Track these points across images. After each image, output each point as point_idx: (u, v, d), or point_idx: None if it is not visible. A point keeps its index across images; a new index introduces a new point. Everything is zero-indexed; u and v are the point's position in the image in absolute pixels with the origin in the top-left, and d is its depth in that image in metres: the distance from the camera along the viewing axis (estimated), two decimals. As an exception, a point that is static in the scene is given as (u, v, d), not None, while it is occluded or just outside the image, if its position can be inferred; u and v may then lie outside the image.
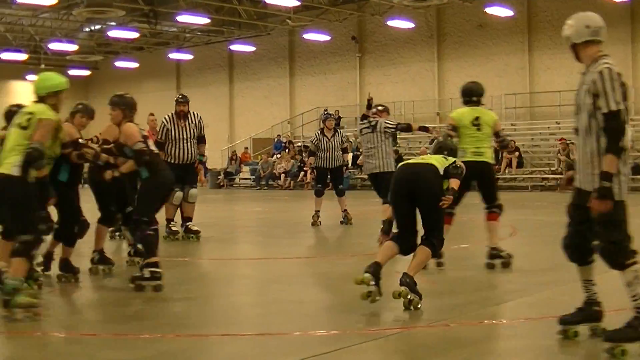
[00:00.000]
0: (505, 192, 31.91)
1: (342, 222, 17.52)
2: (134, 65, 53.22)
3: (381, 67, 43.93)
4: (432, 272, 10.74)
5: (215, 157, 44.65)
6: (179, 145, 15.02)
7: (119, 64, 53.71)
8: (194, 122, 15.42)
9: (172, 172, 14.06)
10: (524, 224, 17.19)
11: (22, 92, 56.14)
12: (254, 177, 41.49)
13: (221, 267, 12.47)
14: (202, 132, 15.60)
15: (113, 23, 44.78)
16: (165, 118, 15.26)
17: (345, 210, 17.70)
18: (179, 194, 14.73)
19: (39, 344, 7.18)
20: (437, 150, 9.18)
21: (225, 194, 37.06)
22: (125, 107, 10.42)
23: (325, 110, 32.08)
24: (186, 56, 51.57)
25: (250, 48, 47.95)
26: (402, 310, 8.16)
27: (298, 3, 38.20)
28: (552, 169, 33.40)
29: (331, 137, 17.71)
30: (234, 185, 43.25)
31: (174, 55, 51.57)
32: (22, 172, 8.12)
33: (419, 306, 7.96)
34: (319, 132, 18.25)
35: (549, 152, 35.75)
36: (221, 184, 43.03)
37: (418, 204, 8.48)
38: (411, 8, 39.08)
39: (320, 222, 17.35)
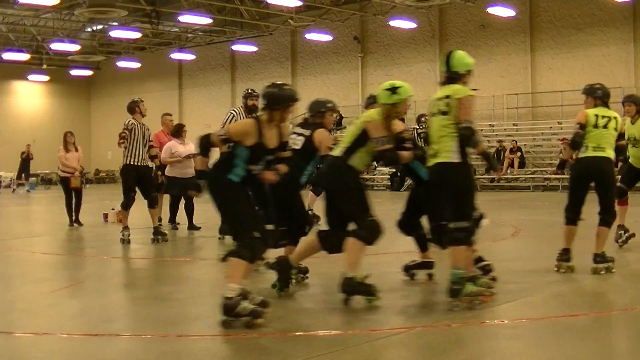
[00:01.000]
0: (507, 192, 31.99)
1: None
2: (136, 65, 53.26)
3: (383, 67, 43.94)
4: (436, 272, 10.72)
5: (217, 157, 44.63)
6: None
7: (121, 64, 53.76)
8: None
9: None
10: (525, 223, 17.18)
11: (24, 92, 56.32)
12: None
13: (220, 267, 12.39)
14: None
15: (115, 23, 44.85)
16: (234, 110, 14.59)
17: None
18: None
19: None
20: None
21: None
22: None
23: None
24: (188, 56, 51.62)
25: (252, 48, 48.00)
26: (404, 310, 8.14)
27: (300, 3, 38.23)
28: (554, 169, 33.37)
29: None
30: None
31: (176, 55, 51.62)
32: (461, 157, 8.27)
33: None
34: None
35: (551, 152, 35.72)
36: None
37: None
38: (413, 8, 39.10)
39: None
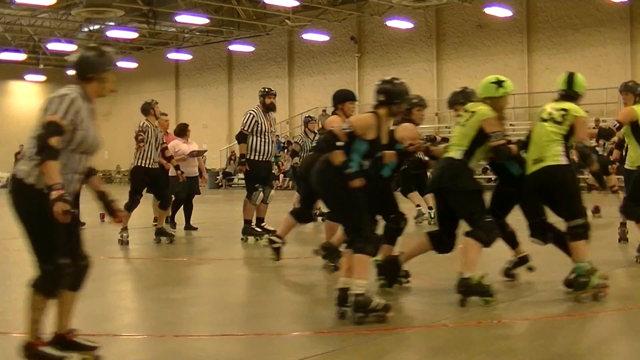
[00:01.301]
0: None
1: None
2: (133, 65, 53.17)
3: (380, 67, 43.90)
4: (430, 272, 10.73)
5: (214, 157, 44.68)
6: (267, 140, 14.49)
7: (118, 64, 53.29)
8: (273, 117, 14.87)
9: (264, 170, 14.08)
10: (522, 223, 17.14)
11: (21, 92, 56.28)
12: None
13: (219, 267, 12.43)
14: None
15: (112, 23, 44.83)
16: (253, 110, 14.54)
17: (319, 208, 18.18)
18: (261, 194, 14.44)
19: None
20: None
21: (224, 194, 37.10)
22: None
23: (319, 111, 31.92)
24: (185, 56, 51.59)
25: (249, 48, 47.99)
26: (400, 311, 8.15)
27: (297, 3, 38.21)
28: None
29: (313, 139, 17.92)
30: (233, 186, 43.25)
31: (173, 55, 51.61)
32: (567, 159, 8.75)
33: None
34: (303, 134, 18.46)
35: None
36: (219, 184, 43.03)
37: None
38: (410, 8, 39.11)
39: (315, 219, 17.67)
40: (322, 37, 43.82)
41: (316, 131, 18.48)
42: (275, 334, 7.23)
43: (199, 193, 17.47)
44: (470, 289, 8.24)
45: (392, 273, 9.32)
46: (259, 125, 14.30)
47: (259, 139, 14.32)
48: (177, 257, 13.64)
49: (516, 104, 38.86)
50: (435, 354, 6.61)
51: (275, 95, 14.88)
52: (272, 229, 14.34)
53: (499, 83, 9.07)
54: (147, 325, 7.91)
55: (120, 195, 14.92)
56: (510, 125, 38.12)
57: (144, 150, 14.52)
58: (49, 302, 5.87)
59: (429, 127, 39.51)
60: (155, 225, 15.16)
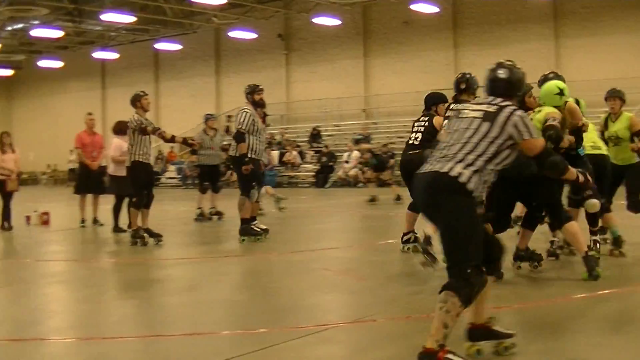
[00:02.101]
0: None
1: (208, 219, 18.52)
2: (58, 64, 52.62)
3: (308, 64, 44.00)
4: (358, 269, 10.78)
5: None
6: (262, 138, 14.23)
7: (43, 63, 53.03)
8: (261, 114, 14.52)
9: (257, 169, 13.90)
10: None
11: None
12: (180, 176, 41.25)
13: (151, 268, 12.33)
14: None
15: (36, 22, 44.19)
16: (248, 108, 14.09)
17: (214, 207, 18.71)
18: (255, 192, 14.07)
19: None
20: None
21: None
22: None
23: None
24: (111, 55, 51.12)
25: (176, 46, 47.75)
26: (329, 307, 8.17)
27: (224, 1, 38.06)
28: None
29: (213, 137, 17.99)
30: (160, 185, 42.98)
31: (99, 54, 51.08)
32: None
33: None
34: (202, 131, 18.50)
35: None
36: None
37: None
38: (337, 5, 39.24)
39: (210, 218, 18.46)
40: (250, 35, 43.72)
41: (216, 128, 18.64)
42: (205, 333, 7.20)
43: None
44: (593, 263, 9.11)
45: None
46: (255, 124, 13.95)
47: (254, 137, 13.93)
48: (106, 258, 13.54)
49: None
50: (363, 349, 6.61)
51: (263, 90, 14.57)
52: (265, 227, 14.30)
53: (561, 92, 9.80)
54: (75, 328, 7.83)
55: (41, 197, 14.81)
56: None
57: (141, 145, 13.91)
58: (463, 308, 5.82)
59: (356, 124, 39.74)
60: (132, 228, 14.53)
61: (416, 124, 11.57)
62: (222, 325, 7.54)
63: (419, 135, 11.27)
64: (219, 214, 18.69)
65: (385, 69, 41.64)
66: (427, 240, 9.97)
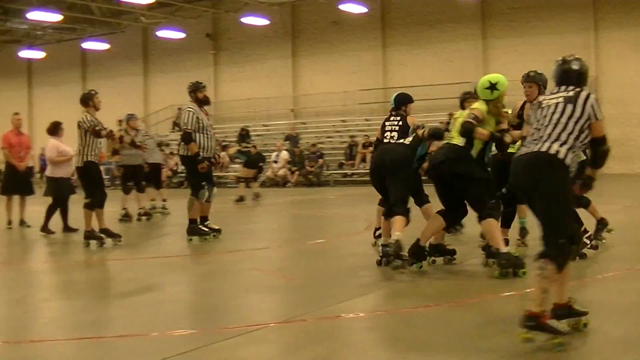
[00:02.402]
0: (360, 186, 32.27)
1: (137, 219, 18.51)
2: (-17, 64, 51.93)
3: (236, 64, 43.92)
4: (289, 269, 10.78)
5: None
6: (209, 136, 13.96)
7: (-34, 63, 52.27)
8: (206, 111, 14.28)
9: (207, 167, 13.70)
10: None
11: None
12: (108, 176, 40.80)
13: (82, 269, 12.20)
14: None
15: (-40, 20, 43.60)
16: (192, 107, 13.93)
17: (142, 208, 18.68)
18: (207, 192, 13.94)
19: None
20: None
21: (80, 194, 36.39)
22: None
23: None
24: (38, 54, 50.47)
25: (103, 46, 47.33)
26: (259, 307, 8.16)
27: (152, 0, 37.78)
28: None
29: (135, 137, 17.94)
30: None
31: (24, 54, 50.41)
32: None
33: None
34: (124, 131, 18.38)
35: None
36: (75, 184, 42.27)
37: None
38: (266, 5, 39.22)
39: (139, 219, 18.40)
40: (178, 35, 43.50)
41: (138, 128, 18.54)
42: (135, 335, 7.14)
43: (74, 193, 16.87)
44: (510, 262, 9.36)
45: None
46: (200, 122, 13.80)
47: (201, 135, 13.78)
48: (34, 260, 13.38)
49: (371, 99, 39.30)
50: (293, 349, 6.61)
51: (206, 88, 14.42)
52: (217, 227, 14.18)
53: (493, 87, 9.93)
54: (2, 332, 7.72)
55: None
56: (366, 120, 38.68)
57: (92, 144, 13.56)
58: (558, 275, 6.38)
59: (284, 124, 39.74)
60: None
61: (387, 124, 11.71)
62: (151, 327, 7.48)
63: (395, 134, 11.41)
64: (148, 214, 18.59)
65: (314, 68, 41.72)
66: (398, 244, 10.04)
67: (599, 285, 9.02)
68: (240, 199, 23.63)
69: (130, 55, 47.99)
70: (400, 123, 11.57)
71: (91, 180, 13.86)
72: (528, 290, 8.57)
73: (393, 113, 11.91)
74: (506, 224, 10.95)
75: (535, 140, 6.59)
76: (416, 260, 9.98)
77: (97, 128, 13.47)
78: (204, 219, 14.17)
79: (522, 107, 11.08)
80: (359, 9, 38.43)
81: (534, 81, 10.81)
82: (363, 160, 34.86)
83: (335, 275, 10.17)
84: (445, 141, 10.15)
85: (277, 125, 40.97)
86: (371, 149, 34.56)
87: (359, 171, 34.74)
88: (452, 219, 10.21)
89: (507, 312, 7.61)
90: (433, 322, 7.34)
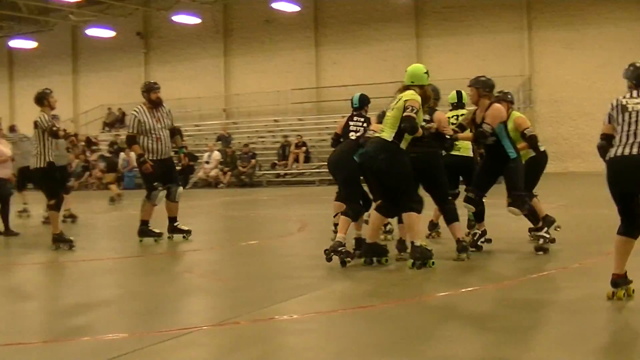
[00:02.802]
0: (293, 187, 32.31)
1: (63, 221, 17.82)
2: None
3: (167, 63, 43.71)
4: (221, 271, 10.74)
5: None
6: (155, 137, 13.82)
7: None
8: (164, 111, 14.13)
9: (159, 170, 13.50)
10: (312, 218, 17.37)
11: None
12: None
13: (13, 272, 12.02)
14: (173, 124, 14.40)
15: None
16: (135, 110, 13.93)
17: (68, 210, 18.29)
18: (161, 194, 13.77)
19: None
20: None
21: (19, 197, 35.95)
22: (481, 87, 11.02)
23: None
24: (-38, 53, 49.76)
25: (31, 44, 46.73)
26: (191, 310, 8.10)
27: (81, -3, 37.45)
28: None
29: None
30: (28, 188, 42.04)
31: (-52, 52, 49.68)
32: None
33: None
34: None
35: (337, 146, 36.23)
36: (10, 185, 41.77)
37: None
38: (197, 3, 39.13)
39: (64, 220, 17.84)
40: (108, 33, 43.14)
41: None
42: (62, 340, 7.05)
43: (12, 194, 16.58)
44: (423, 254, 9.88)
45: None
46: (144, 124, 13.73)
47: (146, 137, 13.75)
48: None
49: (304, 98, 39.39)
50: (226, 352, 6.57)
51: (159, 88, 14.26)
52: (187, 228, 14.05)
53: (428, 73, 10.34)
54: None
55: None
56: (299, 120, 38.73)
57: (50, 145, 13.27)
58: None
59: (216, 124, 39.60)
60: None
61: (352, 123, 11.90)
62: (81, 331, 7.39)
63: (360, 134, 11.56)
64: (73, 216, 18.30)
65: (246, 68, 41.65)
66: (339, 244, 10.33)
67: (534, 284, 9.09)
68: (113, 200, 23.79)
69: (59, 54, 47.46)
70: (365, 125, 11.70)
71: (53, 181, 13.60)
72: (463, 290, 8.65)
73: (355, 113, 12.15)
74: (481, 219, 11.55)
75: (631, 143, 7.42)
76: (377, 256, 10.42)
77: (54, 128, 13.22)
78: (173, 219, 14.11)
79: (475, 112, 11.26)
80: (292, 8, 38.46)
81: (478, 85, 11.08)
82: (296, 160, 34.88)
83: (268, 277, 10.15)
84: (375, 135, 10.35)
85: (209, 125, 40.83)
86: (304, 148, 34.71)
87: (292, 171, 34.76)
88: (389, 209, 10.43)
89: (444, 312, 7.65)
90: (368, 323, 7.35)
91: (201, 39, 42.95)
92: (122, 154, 36.27)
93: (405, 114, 9.76)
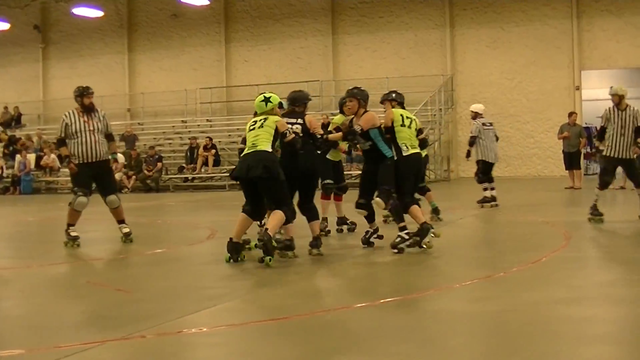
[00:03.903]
0: (201, 192, 32.20)
1: None
2: None
3: (67, 59, 43.24)
4: (126, 281, 10.67)
5: None
6: (82, 141, 14.36)
7: None
8: (97, 116, 14.77)
9: (84, 174, 13.98)
10: (222, 225, 17.32)
11: None
12: None
13: None
14: (110, 130, 15.00)
15: None
16: (65, 114, 14.67)
17: None
18: (81, 200, 14.20)
19: None
20: None
21: None
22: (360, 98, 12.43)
23: None
24: None
25: None
26: (94, 323, 8.05)
27: (-28, -13, 36.93)
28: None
29: None
30: None
31: None
32: None
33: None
34: None
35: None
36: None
37: None
38: (99, -5, 38.75)
39: None
40: (2, 25, 42.54)
41: None
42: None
43: None
44: (267, 245, 10.92)
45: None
46: (70, 128, 14.39)
47: (73, 142, 14.36)
48: None
49: (213, 98, 39.33)
50: (133, 368, 6.56)
51: (93, 93, 14.86)
52: (75, 234, 14.34)
53: (267, 100, 11.72)
54: None
55: None
56: (208, 120, 38.64)
57: None
58: None
59: (120, 124, 39.28)
60: None
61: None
62: (14, 342, 7.30)
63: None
64: None
65: (152, 65, 41.42)
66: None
67: (454, 294, 9.18)
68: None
69: (-51, 48, 46.79)
70: (302, 123, 12.34)
71: None
72: (382, 300, 8.71)
73: (291, 110, 12.73)
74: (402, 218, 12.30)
75: None
76: (236, 254, 11.51)
77: None
78: (120, 221, 14.96)
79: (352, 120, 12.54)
80: (201, 1, 38.37)
81: (354, 96, 12.41)
82: (204, 163, 34.74)
83: (176, 287, 10.12)
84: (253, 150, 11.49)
85: (112, 126, 40.36)
86: (213, 151, 34.60)
87: (201, 175, 34.64)
88: (256, 212, 11.75)
89: (361, 326, 7.69)
90: (281, 337, 7.37)
91: (103, 33, 42.58)
92: (18, 156, 35.84)
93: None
